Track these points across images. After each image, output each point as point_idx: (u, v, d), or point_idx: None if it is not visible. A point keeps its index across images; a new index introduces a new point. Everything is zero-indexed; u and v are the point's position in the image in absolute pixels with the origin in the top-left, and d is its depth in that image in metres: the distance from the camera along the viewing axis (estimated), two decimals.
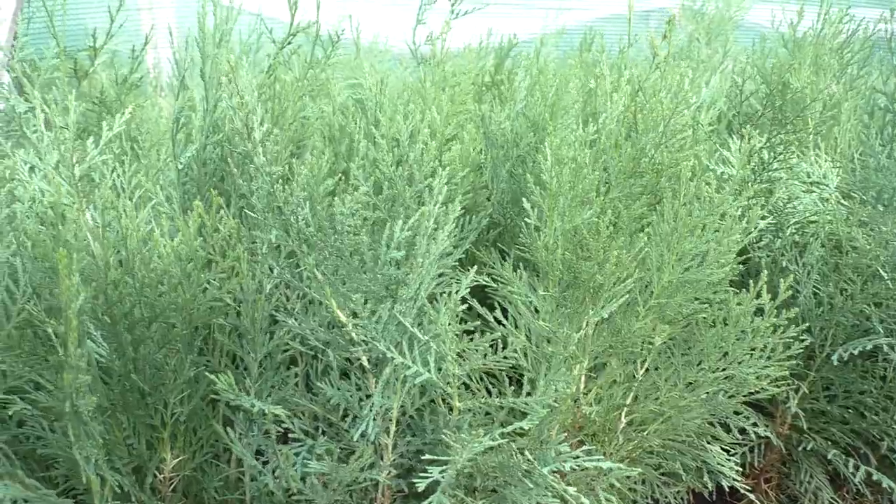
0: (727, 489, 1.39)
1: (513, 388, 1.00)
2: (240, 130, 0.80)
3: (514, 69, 1.81)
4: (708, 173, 0.96)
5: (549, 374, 0.89)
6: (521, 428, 0.84)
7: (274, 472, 0.93)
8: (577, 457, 0.82)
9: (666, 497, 1.20)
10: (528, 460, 0.79)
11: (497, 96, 1.63)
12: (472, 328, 0.89)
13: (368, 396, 0.95)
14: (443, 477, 0.78)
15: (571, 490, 0.76)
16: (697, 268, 0.92)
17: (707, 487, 1.16)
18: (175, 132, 0.98)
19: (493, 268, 1.13)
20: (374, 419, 0.82)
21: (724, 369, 0.98)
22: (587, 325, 0.94)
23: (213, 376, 0.85)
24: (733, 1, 2.70)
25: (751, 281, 0.97)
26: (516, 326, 0.97)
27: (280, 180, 0.81)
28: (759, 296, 0.92)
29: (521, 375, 0.98)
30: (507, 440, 0.82)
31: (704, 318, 0.98)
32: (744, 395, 1.03)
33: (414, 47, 1.87)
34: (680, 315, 0.97)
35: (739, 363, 0.95)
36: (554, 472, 0.84)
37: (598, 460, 0.79)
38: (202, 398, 0.99)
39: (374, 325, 0.80)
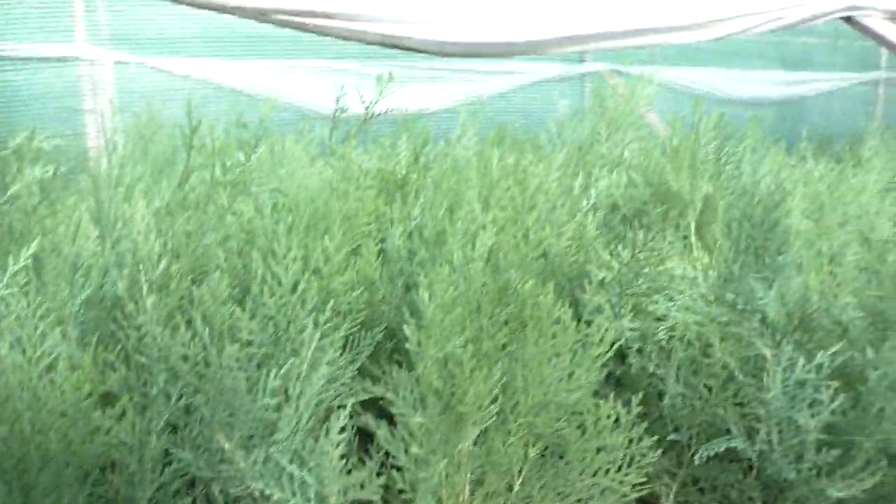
0: None
1: None
2: (128, 288, 0.87)
3: (428, 164, 1.93)
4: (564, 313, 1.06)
5: (429, 500, 0.95)
6: None
7: None
8: None
9: None
10: None
11: (405, 197, 1.73)
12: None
13: None
14: None
15: None
16: (560, 388, 1.02)
17: None
18: (75, 273, 1.04)
19: (387, 383, 1.21)
20: None
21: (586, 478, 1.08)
22: (462, 447, 1.02)
23: None
24: (636, 92, 2.91)
25: (627, 392, 1.08)
26: (403, 448, 1.04)
27: (164, 332, 0.88)
28: (616, 409, 1.02)
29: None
30: None
31: (569, 432, 1.07)
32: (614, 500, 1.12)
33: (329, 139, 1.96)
34: (548, 431, 1.06)
35: (596, 474, 1.04)
36: None
37: None
38: None
39: (253, 468, 0.86)
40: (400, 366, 1.31)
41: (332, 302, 1.02)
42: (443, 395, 0.99)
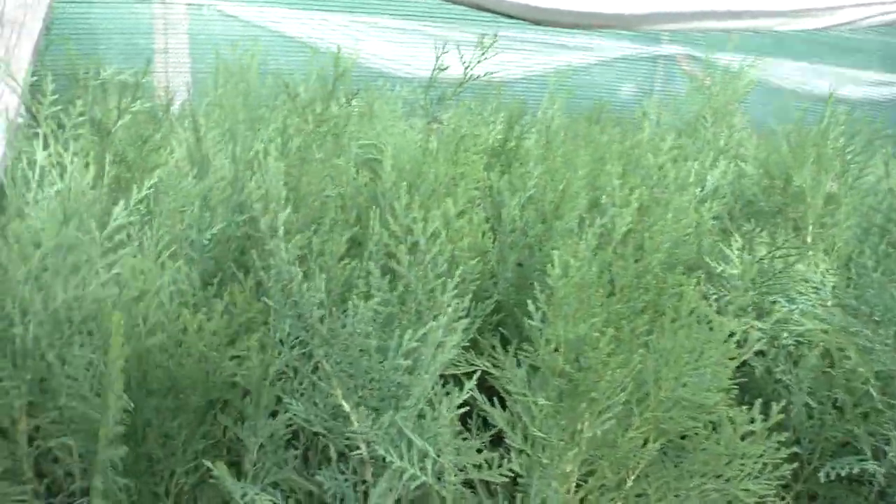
0: None
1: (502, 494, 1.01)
2: (268, 226, 0.83)
3: (522, 134, 1.85)
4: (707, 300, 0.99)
5: (541, 484, 0.90)
6: None
7: None
8: None
9: None
10: None
11: (506, 167, 1.66)
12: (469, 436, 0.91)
13: (364, 482, 0.97)
14: None
15: None
16: (694, 387, 0.94)
17: None
18: (200, 210, 1.01)
19: (495, 357, 1.16)
20: None
21: (712, 483, 1.00)
22: (582, 433, 0.96)
23: (210, 463, 0.87)
24: (743, 74, 2.75)
25: (748, 398, 1.00)
26: (513, 428, 0.99)
27: (300, 275, 0.83)
28: (752, 420, 0.94)
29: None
30: None
31: (697, 433, 1.00)
32: None
33: (428, 105, 1.90)
34: (674, 428, 0.99)
35: (728, 481, 0.97)
36: None
37: None
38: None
39: (375, 431, 0.82)
40: (505, 342, 1.26)
41: (460, 268, 0.96)
42: (571, 378, 0.93)
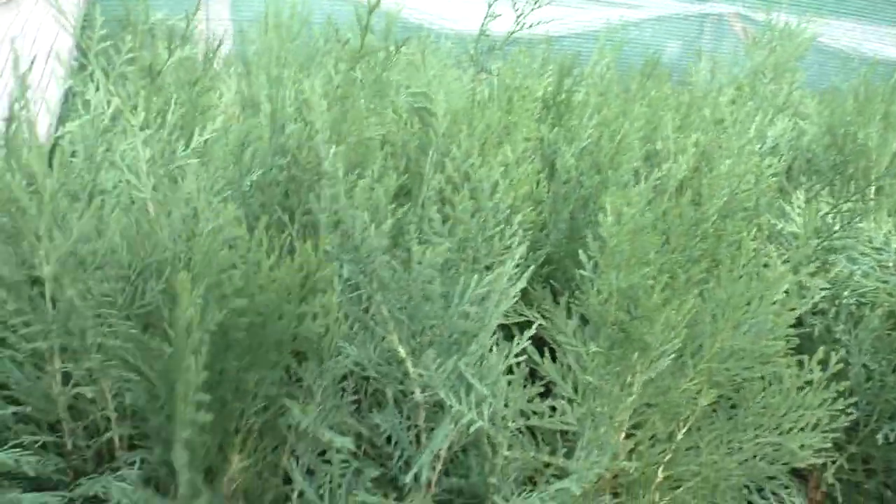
0: None
1: (550, 443, 1.01)
2: (319, 169, 0.83)
3: (573, 87, 1.81)
4: (768, 246, 0.96)
5: (594, 433, 0.90)
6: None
7: (318, 490, 0.96)
8: None
9: None
10: None
11: (557, 119, 1.63)
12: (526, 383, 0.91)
13: (416, 427, 0.98)
14: None
15: None
16: (752, 337, 0.92)
17: None
18: (242, 154, 1.01)
19: (545, 308, 1.15)
20: (426, 466, 0.84)
21: (767, 436, 0.99)
22: (634, 382, 0.95)
23: (288, 402, 0.89)
24: (801, 32, 2.63)
25: (805, 356, 0.97)
26: (564, 378, 0.99)
27: (364, 217, 0.84)
28: (811, 370, 0.92)
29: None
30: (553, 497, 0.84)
31: (753, 385, 0.98)
32: (783, 463, 1.04)
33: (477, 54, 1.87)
34: (729, 380, 0.98)
35: (786, 433, 0.95)
36: None
37: None
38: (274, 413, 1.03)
39: (438, 375, 0.82)
40: (555, 294, 1.25)
41: (519, 216, 0.95)
42: (623, 327, 0.92)
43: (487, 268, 0.91)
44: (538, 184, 1.20)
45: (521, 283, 0.86)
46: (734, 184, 0.93)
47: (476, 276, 0.82)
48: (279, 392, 1.02)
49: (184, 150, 1.12)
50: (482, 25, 1.77)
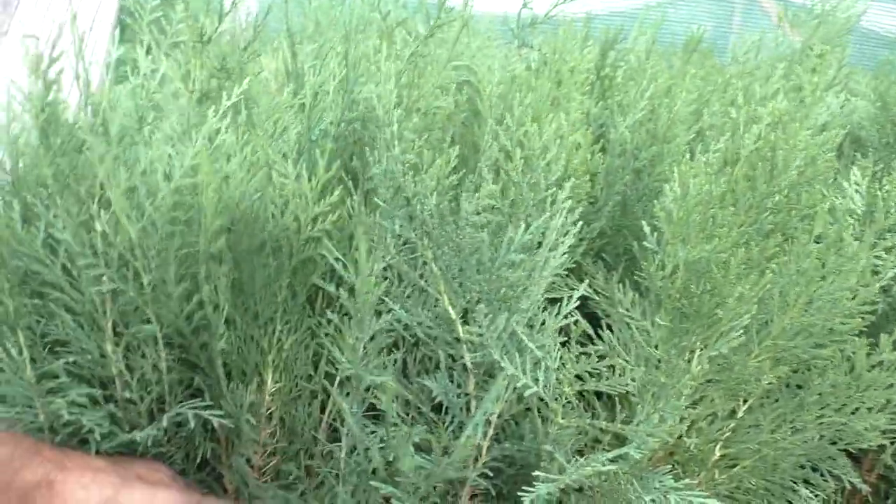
0: None
1: (606, 412, 0.99)
2: (380, 118, 0.81)
3: (616, 61, 1.77)
4: (846, 217, 0.92)
5: (657, 403, 0.88)
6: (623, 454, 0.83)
7: (365, 452, 0.95)
8: (680, 489, 0.81)
9: None
10: (636, 489, 0.79)
11: (602, 93, 1.60)
12: (583, 346, 0.89)
13: (466, 394, 0.97)
14: (545, 492, 0.78)
15: None
16: (824, 315, 0.89)
17: None
18: (310, 109, 1.00)
19: (595, 280, 1.12)
20: (479, 425, 0.83)
21: (830, 417, 0.96)
22: (698, 357, 0.93)
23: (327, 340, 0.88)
24: (845, 8, 2.54)
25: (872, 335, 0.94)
26: (614, 347, 0.96)
27: (411, 171, 0.82)
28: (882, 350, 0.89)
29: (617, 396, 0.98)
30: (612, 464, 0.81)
31: (820, 363, 0.95)
32: (846, 443, 1.01)
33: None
34: (795, 358, 0.95)
35: (853, 413, 0.92)
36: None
37: (704, 496, 0.78)
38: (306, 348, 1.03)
39: (490, 332, 0.80)
40: (608, 268, 1.22)
41: (571, 181, 0.92)
42: (691, 299, 0.89)
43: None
44: (591, 155, 1.17)
45: (571, 240, 0.83)
46: (811, 154, 0.89)
47: (522, 224, 0.80)
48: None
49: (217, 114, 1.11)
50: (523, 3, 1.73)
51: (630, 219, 1.23)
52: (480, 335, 0.78)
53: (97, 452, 0.94)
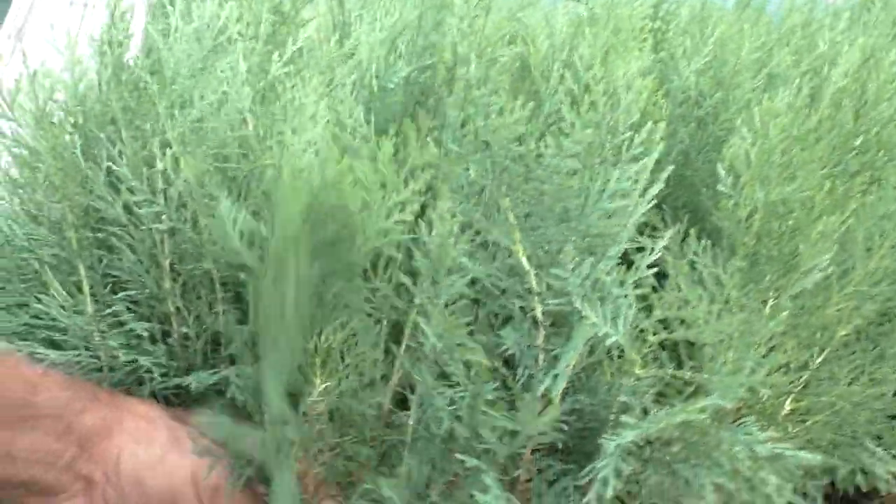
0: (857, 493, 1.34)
1: (674, 363, 0.97)
2: (459, 60, 0.78)
3: (668, 14, 1.72)
4: None
5: (734, 351, 0.85)
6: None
7: (437, 417, 0.93)
8: (765, 441, 0.79)
9: (806, 492, 1.16)
10: (724, 438, 0.76)
11: (654, 45, 1.55)
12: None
13: (535, 346, 0.94)
14: (629, 440, 0.76)
15: (772, 478, 0.74)
16: None
17: (857, 489, 1.11)
18: (388, 53, 0.97)
19: (658, 232, 1.09)
20: (562, 376, 0.80)
21: None
22: (780, 299, 0.89)
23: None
24: None
25: None
26: (699, 296, 0.93)
27: (496, 115, 0.78)
28: None
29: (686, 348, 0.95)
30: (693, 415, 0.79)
31: None
32: None
33: None
34: (876, 306, 0.91)
35: None
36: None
37: (795, 449, 0.76)
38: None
39: (574, 278, 0.77)
40: (671, 219, 1.19)
41: (648, 124, 0.88)
42: (769, 242, 0.86)
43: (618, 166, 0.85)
44: (655, 103, 1.13)
45: (659, 187, 0.80)
46: None
47: (617, 170, 0.76)
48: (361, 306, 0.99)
49: (279, 61, 1.08)
50: None
51: (692, 170, 1.19)
52: (564, 279, 0.75)
53: (153, 395, 0.94)
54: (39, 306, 0.93)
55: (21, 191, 0.93)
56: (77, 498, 0.78)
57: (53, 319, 0.93)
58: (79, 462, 0.78)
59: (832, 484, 1.40)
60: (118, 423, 0.82)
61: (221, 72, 0.98)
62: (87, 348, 0.95)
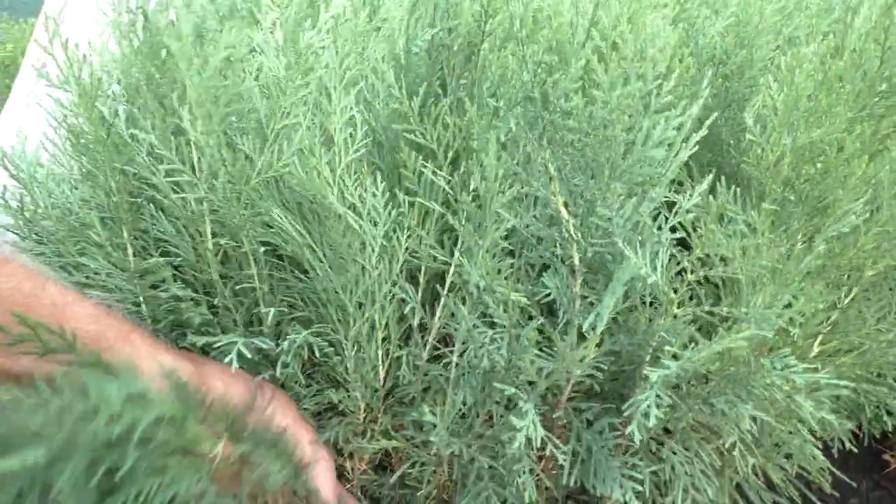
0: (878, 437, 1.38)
1: (710, 301, 1.00)
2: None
3: None
4: None
5: (770, 288, 0.88)
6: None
7: (479, 351, 0.97)
8: (799, 371, 0.83)
9: (831, 434, 1.20)
10: (762, 368, 0.80)
11: (679, 12, 1.57)
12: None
13: (572, 293, 0.98)
14: (671, 371, 0.80)
15: (808, 404, 0.78)
16: None
17: (883, 428, 1.15)
18: (409, 17, 1.00)
19: (682, 185, 1.13)
20: (603, 316, 0.84)
21: None
22: (805, 242, 0.93)
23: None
24: None
25: None
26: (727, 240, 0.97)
27: (546, 72, 0.82)
28: None
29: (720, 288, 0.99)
30: (727, 350, 0.83)
31: None
32: None
33: None
34: None
35: None
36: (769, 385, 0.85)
37: (830, 378, 0.80)
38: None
39: (619, 219, 0.81)
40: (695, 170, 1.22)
41: (677, 72, 0.92)
42: (806, 182, 0.89)
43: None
44: (682, 59, 1.16)
45: (704, 130, 0.83)
46: None
47: (661, 121, 0.80)
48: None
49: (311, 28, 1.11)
50: None
51: (716, 127, 1.22)
52: (608, 219, 0.79)
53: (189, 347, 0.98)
54: (93, 264, 0.98)
55: (80, 157, 0.98)
56: None
57: (106, 277, 0.98)
58: None
59: (856, 437, 1.44)
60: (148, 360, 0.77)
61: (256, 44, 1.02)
62: (134, 304, 0.99)
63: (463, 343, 0.98)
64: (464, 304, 1.02)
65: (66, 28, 1.20)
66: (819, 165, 0.87)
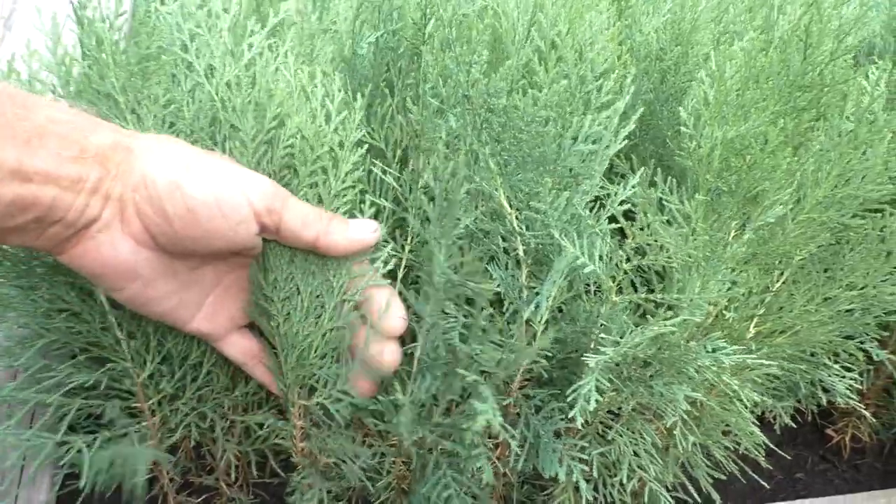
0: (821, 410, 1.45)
1: (645, 289, 1.05)
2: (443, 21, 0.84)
3: None
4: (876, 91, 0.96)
5: (701, 275, 0.93)
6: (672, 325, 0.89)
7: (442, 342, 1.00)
8: (728, 353, 0.87)
9: (773, 412, 1.26)
10: (693, 351, 0.85)
11: (620, 11, 1.62)
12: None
13: (518, 283, 1.01)
14: (609, 357, 0.84)
15: (735, 383, 0.82)
16: (856, 185, 0.94)
17: (819, 405, 1.21)
18: (355, 20, 1.02)
19: (624, 177, 1.17)
20: (545, 300, 0.88)
21: (863, 287, 1.02)
22: (736, 231, 0.98)
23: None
24: None
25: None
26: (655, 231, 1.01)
27: (480, 71, 0.85)
28: None
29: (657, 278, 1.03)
30: (663, 333, 0.87)
31: (849, 237, 1.01)
32: (874, 316, 1.07)
33: None
34: (828, 232, 1.00)
35: (882, 281, 0.98)
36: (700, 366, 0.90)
37: (759, 359, 0.84)
38: None
39: (553, 211, 0.85)
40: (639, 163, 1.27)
41: (616, 72, 0.96)
42: (735, 175, 0.94)
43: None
44: (619, 57, 1.20)
45: (632, 125, 0.87)
46: (846, 30, 0.93)
47: (590, 116, 0.83)
48: None
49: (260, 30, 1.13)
50: None
51: (656, 121, 1.27)
52: (542, 213, 0.82)
53: None
54: None
55: None
56: (112, 224, 0.72)
57: None
58: (105, 183, 0.71)
59: (802, 414, 1.51)
60: (135, 140, 0.74)
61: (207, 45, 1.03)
62: None
63: (428, 331, 1.01)
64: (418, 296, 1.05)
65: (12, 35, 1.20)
66: (748, 158, 0.91)
